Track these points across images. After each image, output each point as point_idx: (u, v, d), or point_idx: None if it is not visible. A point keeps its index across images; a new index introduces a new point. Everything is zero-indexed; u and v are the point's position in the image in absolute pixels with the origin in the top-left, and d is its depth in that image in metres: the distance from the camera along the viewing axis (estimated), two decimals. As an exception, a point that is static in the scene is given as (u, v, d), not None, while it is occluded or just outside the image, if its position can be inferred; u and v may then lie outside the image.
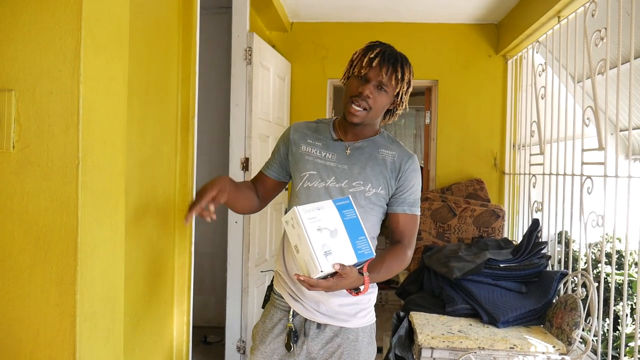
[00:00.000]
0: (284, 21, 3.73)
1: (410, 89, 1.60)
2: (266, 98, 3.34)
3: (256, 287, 3.21)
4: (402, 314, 2.46)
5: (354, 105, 1.53)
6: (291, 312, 1.62)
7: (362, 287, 1.43)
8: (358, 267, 1.40)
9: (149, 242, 1.83)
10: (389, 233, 1.66)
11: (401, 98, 1.59)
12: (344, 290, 1.54)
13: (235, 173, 3.09)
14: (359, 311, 1.61)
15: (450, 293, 2.48)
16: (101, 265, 1.23)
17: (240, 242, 3.13)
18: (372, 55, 1.52)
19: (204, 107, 3.09)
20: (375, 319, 1.69)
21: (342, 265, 1.31)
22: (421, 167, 4.97)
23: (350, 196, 1.44)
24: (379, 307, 4.98)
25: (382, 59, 1.51)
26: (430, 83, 4.08)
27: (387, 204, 1.62)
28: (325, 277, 1.33)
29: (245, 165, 3.07)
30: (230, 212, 3.10)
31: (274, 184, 1.75)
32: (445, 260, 2.70)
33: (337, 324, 1.59)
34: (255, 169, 3.10)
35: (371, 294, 1.65)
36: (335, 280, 1.33)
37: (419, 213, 1.63)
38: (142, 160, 1.75)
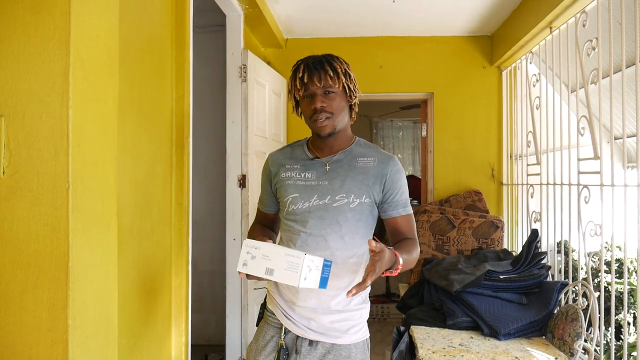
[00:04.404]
0: (278, 38, 3.75)
1: (352, 78, 1.62)
2: (262, 115, 3.35)
3: (256, 304, 3.18)
4: (402, 328, 2.44)
5: (318, 121, 1.58)
6: (283, 330, 1.62)
7: (399, 262, 1.41)
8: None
9: (145, 263, 1.82)
10: (390, 237, 1.66)
11: (351, 90, 1.61)
12: (334, 307, 1.56)
13: (233, 190, 3.08)
14: (350, 327, 1.60)
15: (451, 306, 2.46)
16: (93, 289, 1.22)
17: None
18: (300, 75, 1.58)
19: (200, 125, 3.09)
20: (368, 335, 1.68)
21: (373, 239, 1.34)
22: (419, 178, 4.99)
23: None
24: (380, 321, 4.94)
25: (309, 70, 1.57)
26: (426, 96, 4.10)
27: (379, 211, 1.63)
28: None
29: (243, 182, 3.07)
30: (228, 229, 3.10)
31: (276, 216, 1.80)
32: (444, 273, 2.68)
33: (329, 341, 1.58)
34: (252, 185, 3.09)
35: (362, 310, 1.64)
36: (377, 258, 1.32)
37: (411, 211, 1.66)
38: (136, 180, 1.74)
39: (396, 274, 1.43)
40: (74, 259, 1.14)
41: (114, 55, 1.32)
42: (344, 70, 1.58)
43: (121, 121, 1.50)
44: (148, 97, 1.85)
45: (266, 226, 1.81)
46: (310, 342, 1.59)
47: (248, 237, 1.74)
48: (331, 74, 1.56)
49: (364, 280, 1.31)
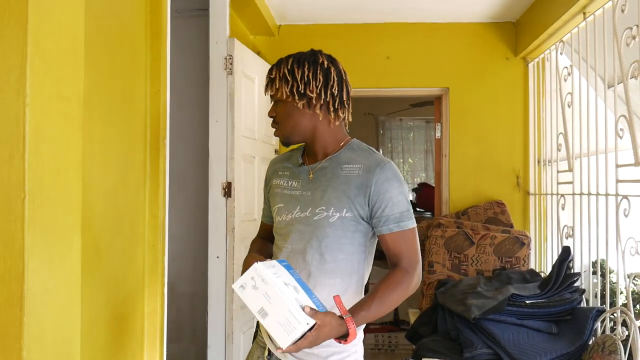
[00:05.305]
0: (269, 24, 3.77)
1: (300, 78, 1.59)
2: (251, 113, 3.36)
3: (242, 332, 3.18)
4: (412, 361, 2.44)
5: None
6: (267, 350, 1.67)
7: (352, 330, 1.44)
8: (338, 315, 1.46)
9: (114, 285, 1.82)
10: (387, 257, 1.66)
11: (295, 94, 1.60)
12: None
13: (216, 200, 3.08)
14: (332, 354, 1.59)
15: (469, 335, 2.46)
16: (53, 316, 1.22)
17: (223, 280, 3.11)
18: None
19: (178, 126, 3.10)
20: None
21: (313, 309, 1.38)
22: (432, 187, 5.00)
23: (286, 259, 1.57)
24: (387, 352, 4.93)
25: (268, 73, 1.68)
26: (440, 91, 4.11)
27: (371, 226, 1.62)
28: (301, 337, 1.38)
29: (228, 191, 3.07)
30: (210, 245, 3.10)
31: None
32: (462, 297, 2.68)
33: None
34: (239, 195, 3.10)
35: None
36: (315, 333, 1.38)
37: (411, 225, 1.61)
38: (104, 189, 1.75)
39: (346, 343, 1.46)
40: (31, 281, 1.14)
41: (78, 44, 1.32)
42: (282, 74, 1.61)
43: (87, 121, 1.50)
44: (118, 93, 1.86)
45: (268, 240, 1.84)
46: None
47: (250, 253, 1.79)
48: (266, 82, 1.67)
49: (292, 350, 1.38)
